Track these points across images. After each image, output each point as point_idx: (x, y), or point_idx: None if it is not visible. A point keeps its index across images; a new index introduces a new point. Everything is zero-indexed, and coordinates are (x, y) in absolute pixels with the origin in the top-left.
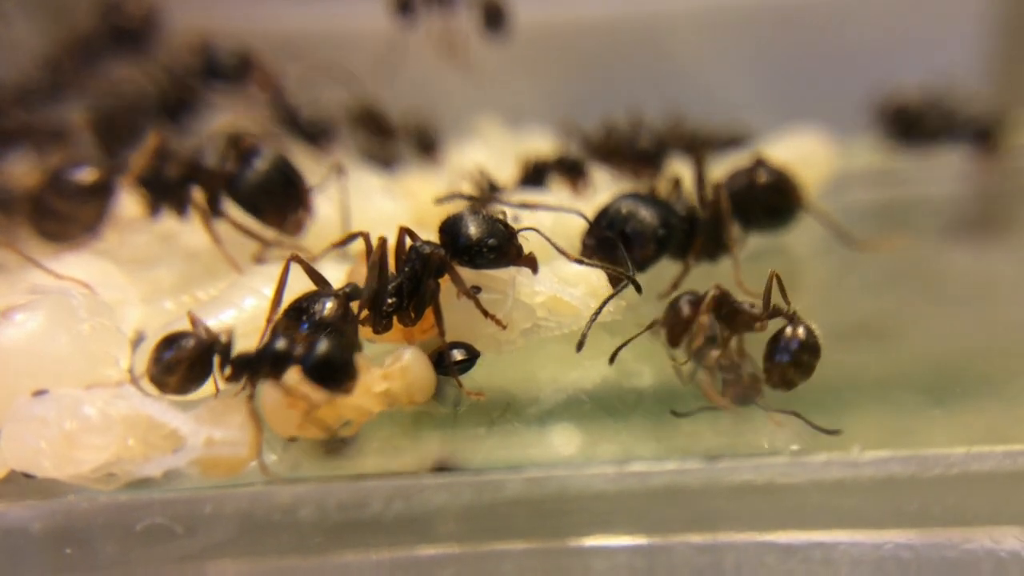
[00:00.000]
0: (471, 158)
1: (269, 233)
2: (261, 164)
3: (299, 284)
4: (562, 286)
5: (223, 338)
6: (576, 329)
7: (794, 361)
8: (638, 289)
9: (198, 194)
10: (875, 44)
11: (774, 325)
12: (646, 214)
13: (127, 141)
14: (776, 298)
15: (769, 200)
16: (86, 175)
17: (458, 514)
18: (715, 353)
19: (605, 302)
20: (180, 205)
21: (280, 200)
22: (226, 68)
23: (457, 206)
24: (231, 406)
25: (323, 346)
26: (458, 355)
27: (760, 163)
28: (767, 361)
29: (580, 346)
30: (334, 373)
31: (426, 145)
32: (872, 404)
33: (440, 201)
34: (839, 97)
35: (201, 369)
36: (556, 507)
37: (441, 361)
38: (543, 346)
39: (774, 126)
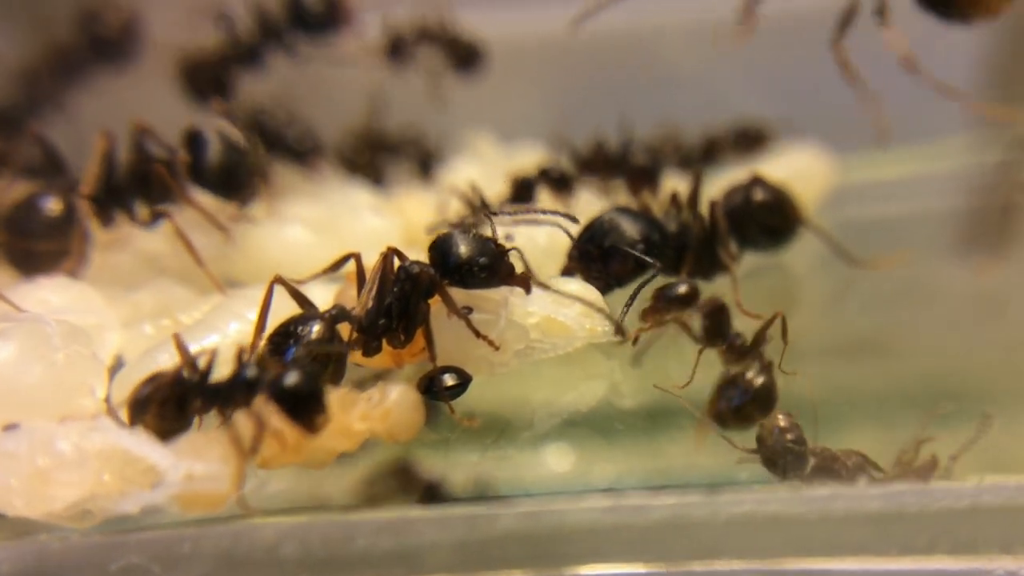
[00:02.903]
0: (463, 175)
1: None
2: (214, 143)
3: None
4: (556, 306)
5: (192, 371)
6: (571, 351)
7: (739, 409)
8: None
9: (173, 208)
10: (872, 55)
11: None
12: (627, 229)
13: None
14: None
15: (766, 218)
16: (49, 207)
17: (449, 549)
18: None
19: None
20: (133, 210)
21: (241, 172)
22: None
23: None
24: (211, 438)
25: (293, 377)
26: (449, 380)
27: (757, 180)
28: (716, 393)
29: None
30: (303, 406)
31: (425, 162)
32: (870, 422)
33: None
34: (836, 110)
35: (176, 408)
36: (551, 538)
37: (432, 386)
38: (537, 368)
39: (771, 141)
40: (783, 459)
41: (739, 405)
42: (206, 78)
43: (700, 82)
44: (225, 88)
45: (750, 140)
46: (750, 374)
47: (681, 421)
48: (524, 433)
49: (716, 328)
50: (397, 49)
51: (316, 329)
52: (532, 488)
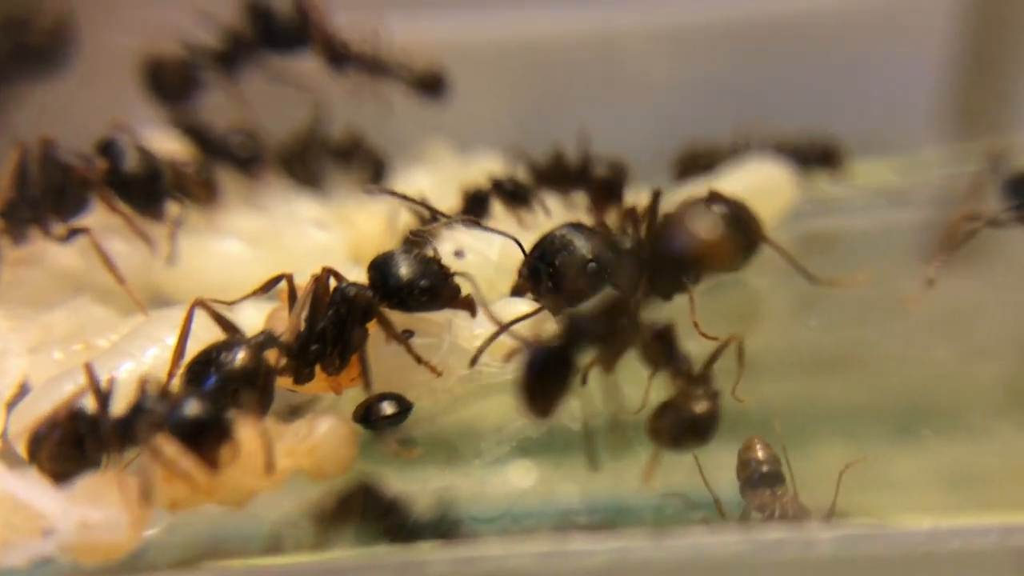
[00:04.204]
0: (417, 185)
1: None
2: (131, 151)
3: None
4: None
5: (95, 405)
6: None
7: (674, 435)
8: None
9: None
10: (835, 69)
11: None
12: (580, 246)
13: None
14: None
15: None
16: None
17: None
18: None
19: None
20: (47, 223)
21: (160, 182)
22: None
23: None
24: (109, 480)
25: (191, 407)
26: (388, 408)
27: (714, 196)
28: (657, 411)
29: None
30: (204, 439)
31: (377, 172)
32: (837, 438)
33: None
34: (800, 122)
35: (74, 446)
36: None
37: (369, 415)
38: (485, 393)
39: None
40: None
41: (678, 430)
42: (173, 81)
43: (663, 90)
44: (191, 92)
45: (823, 155)
46: (692, 400)
47: (637, 448)
48: (474, 461)
49: (662, 352)
50: (339, 63)
51: (239, 357)
52: (480, 517)
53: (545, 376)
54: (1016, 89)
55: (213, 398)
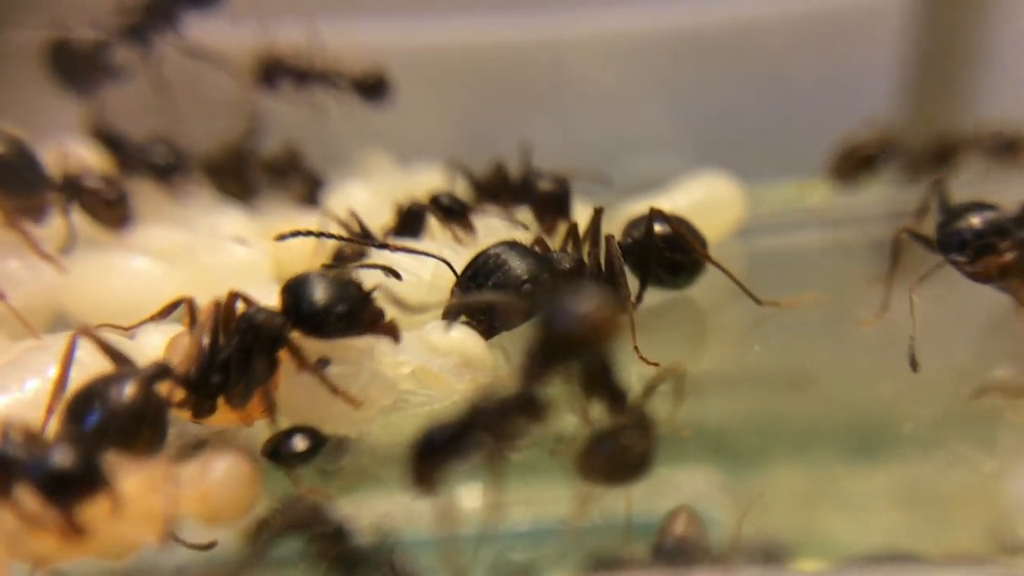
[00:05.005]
0: (353, 199)
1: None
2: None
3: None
4: (431, 356)
5: None
6: (449, 403)
7: (606, 470)
8: None
9: None
10: (784, 78)
11: None
12: (515, 266)
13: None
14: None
15: (667, 254)
16: None
17: None
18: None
19: None
20: None
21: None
22: None
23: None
24: None
25: (59, 458)
26: (300, 443)
27: (656, 213)
28: (585, 447)
29: None
30: (74, 496)
31: (311, 184)
32: (791, 457)
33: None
34: (751, 134)
35: None
36: None
37: (279, 451)
38: (415, 421)
39: (684, 166)
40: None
41: (607, 465)
42: (79, 62)
43: (610, 99)
44: (102, 74)
45: (1007, 145)
46: (623, 434)
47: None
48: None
49: (594, 382)
50: (269, 79)
51: (126, 391)
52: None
53: (438, 455)
54: (966, 107)
55: (92, 440)
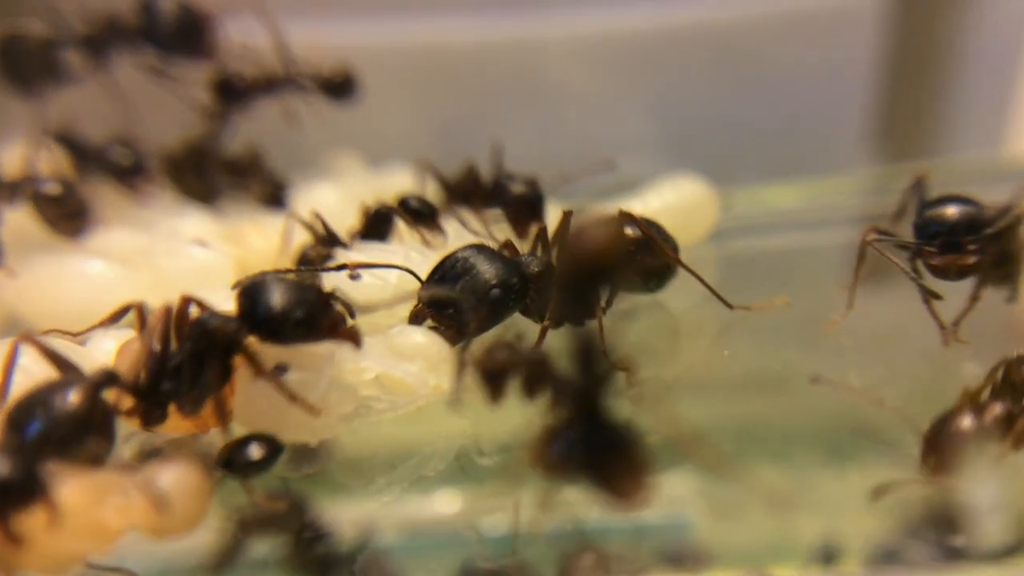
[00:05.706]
0: (321, 201)
1: None
2: None
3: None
4: (395, 361)
5: None
6: (413, 408)
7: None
8: None
9: None
10: (760, 80)
11: None
12: (483, 270)
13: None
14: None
15: (636, 258)
16: None
17: None
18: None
19: None
20: None
21: None
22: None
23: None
24: None
25: None
26: (256, 452)
27: (625, 216)
28: (539, 438)
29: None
30: (9, 507)
31: (276, 185)
32: (767, 460)
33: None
34: (729, 136)
35: None
36: None
37: (233, 459)
38: (377, 428)
39: (662, 168)
40: None
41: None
42: (30, 61)
43: (586, 100)
44: (49, 74)
45: None
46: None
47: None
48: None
49: (535, 384)
50: (230, 93)
51: (70, 399)
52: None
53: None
54: (942, 111)
55: (32, 449)
